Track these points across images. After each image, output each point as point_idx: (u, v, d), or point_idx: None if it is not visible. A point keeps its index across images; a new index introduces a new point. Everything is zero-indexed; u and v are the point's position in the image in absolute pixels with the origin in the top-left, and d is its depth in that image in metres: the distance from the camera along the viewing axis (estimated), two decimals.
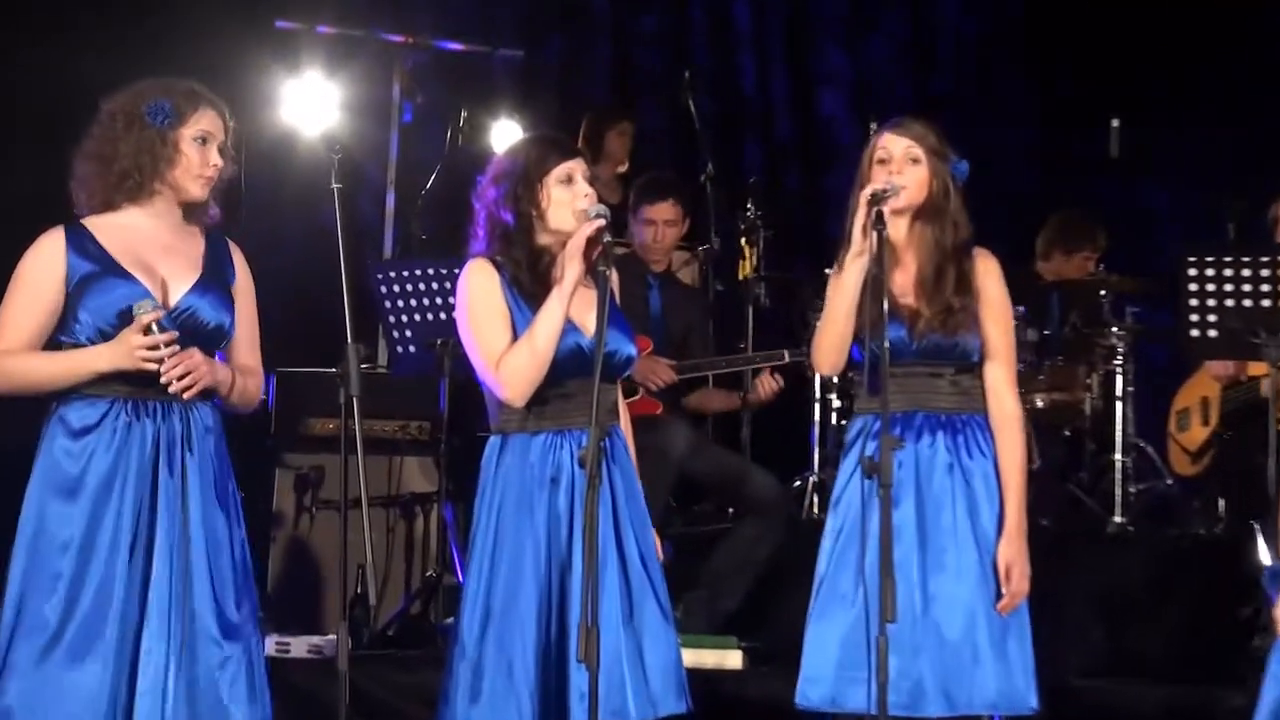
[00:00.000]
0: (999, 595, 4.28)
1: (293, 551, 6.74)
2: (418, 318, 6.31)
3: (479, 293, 4.20)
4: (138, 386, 4.01)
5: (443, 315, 6.20)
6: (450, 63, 8.46)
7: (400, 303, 6.30)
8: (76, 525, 3.96)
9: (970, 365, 4.38)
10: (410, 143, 8.19)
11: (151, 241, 4.09)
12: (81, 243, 4.05)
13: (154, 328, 3.97)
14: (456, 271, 4.27)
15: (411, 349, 6.35)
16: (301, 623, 6.42)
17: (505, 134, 7.86)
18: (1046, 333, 7.34)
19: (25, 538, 3.99)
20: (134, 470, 4.00)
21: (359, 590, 6.35)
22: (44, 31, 6.77)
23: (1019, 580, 4.28)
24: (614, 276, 4.28)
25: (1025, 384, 7.33)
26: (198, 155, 4.09)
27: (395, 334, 6.36)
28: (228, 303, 4.15)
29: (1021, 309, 7.21)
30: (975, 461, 4.35)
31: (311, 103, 7.52)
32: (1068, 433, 7.53)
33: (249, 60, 7.29)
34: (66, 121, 4.22)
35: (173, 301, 4.07)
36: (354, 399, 4.11)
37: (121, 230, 4.09)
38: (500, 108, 8.08)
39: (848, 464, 4.39)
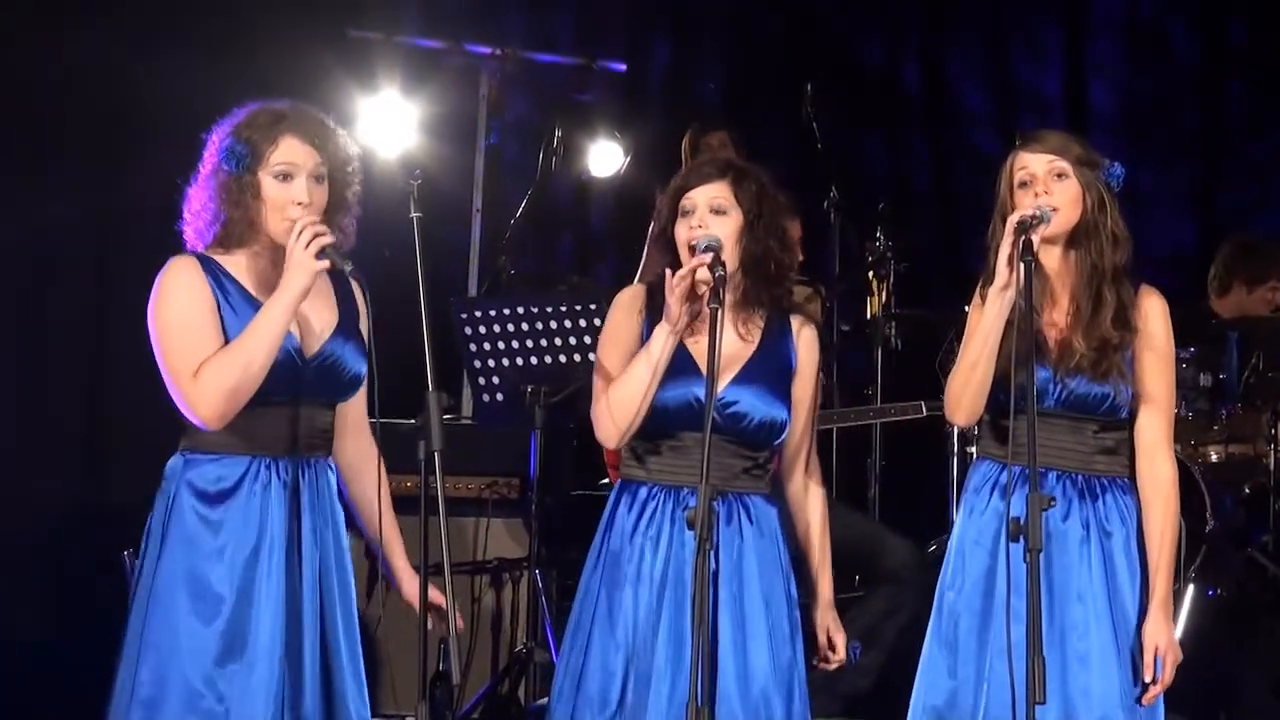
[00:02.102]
0: (1137, 683, 4.21)
1: (365, 624, 6.77)
2: (506, 362, 6.32)
3: (611, 317, 4.40)
4: (270, 446, 4.10)
5: (534, 360, 6.23)
6: (543, 77, 8.50)
7: (487, 345, 6.32)
8: (225, 605, 4.06)
9: (1119, 422, 4.32)
10: (498, 166, 8.24)
11: (278, 275, 4.11)
12: (214, 272, 4.11)
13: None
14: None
15: (499, 397, 6.37)
16: (375, 704, 6.45)
17: (604, 156, 7.90)
18: (1222, 377, 7.27)
19: (163, 612, 4.05)
20: (279, 541, 4.10)
21: (440, 667, 6.34)
22: (89, 47, 6.87)
23: (1170, 668, 4.22)
24: (804, 333, 4.33)
25: (1198, 435, 7.28)
26: (281, 194, 4.12)
27: (481, 380, 6.39)
28: (364, 350, 4.23)
29: (1191, 349, 7.15)
30: (1115, 531, 4.28)
31: (388, 122, 7.59)
32: (1248, 489, 7.45)
33: (318, 73, 7.27)
34: (122, 131, 4.28)
35: (315, 347, 4.14)
36: (435, 454, 4.14)
37: (246, 263, 4.15)
38: (599, 127, 8.10)
39: (971, 521, 4.34)
